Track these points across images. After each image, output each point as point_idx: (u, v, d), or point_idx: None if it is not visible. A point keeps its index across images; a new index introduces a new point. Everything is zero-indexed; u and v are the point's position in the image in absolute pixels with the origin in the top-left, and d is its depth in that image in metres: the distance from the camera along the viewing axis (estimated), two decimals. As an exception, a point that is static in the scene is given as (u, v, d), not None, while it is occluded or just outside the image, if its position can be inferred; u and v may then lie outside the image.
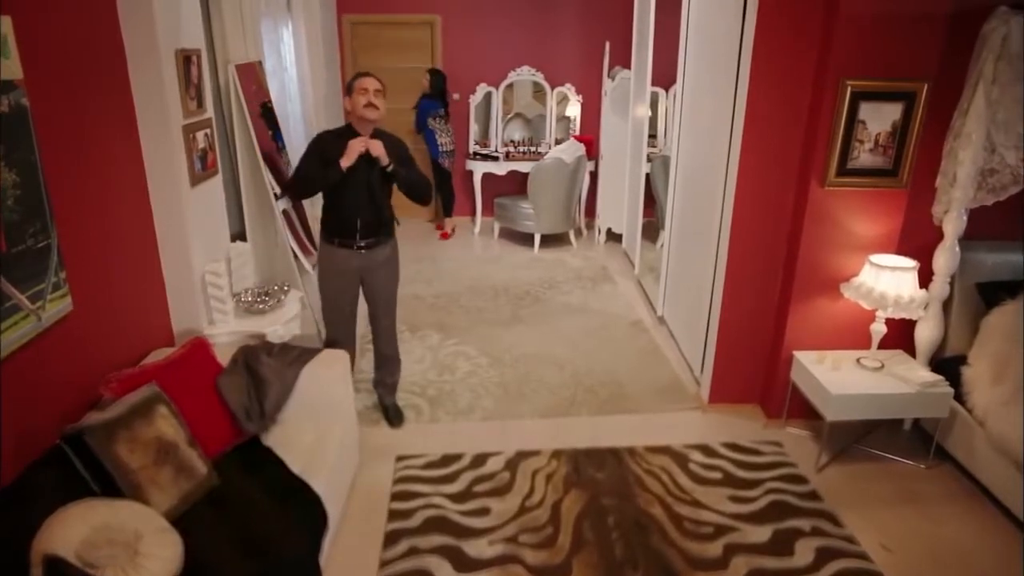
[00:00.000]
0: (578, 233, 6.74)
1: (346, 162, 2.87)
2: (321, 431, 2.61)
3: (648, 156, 5.55)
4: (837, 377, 3.02)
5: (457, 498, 2.83)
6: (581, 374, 3.95)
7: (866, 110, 2.91)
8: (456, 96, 6.87)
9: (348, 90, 2.97)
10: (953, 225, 3.03)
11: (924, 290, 3.04)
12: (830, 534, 2.66)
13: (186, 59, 2.74)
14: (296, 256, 3.80)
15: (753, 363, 3.47)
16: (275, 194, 3.64)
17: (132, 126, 2.59)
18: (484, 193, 6.86)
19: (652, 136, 6.35)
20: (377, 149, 2.91)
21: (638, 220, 5.56)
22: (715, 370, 3.50)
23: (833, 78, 2.88)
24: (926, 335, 3.17)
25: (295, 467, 2.36)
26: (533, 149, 6.95)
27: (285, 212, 3.84)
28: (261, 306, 3.11)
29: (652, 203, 5.89)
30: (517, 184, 6.89)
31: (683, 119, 4.19)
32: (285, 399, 2.62)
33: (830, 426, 3.01)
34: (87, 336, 2.25)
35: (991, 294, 3.11)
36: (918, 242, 3.13)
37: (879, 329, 3.12)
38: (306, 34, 5.16)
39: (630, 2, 5.64)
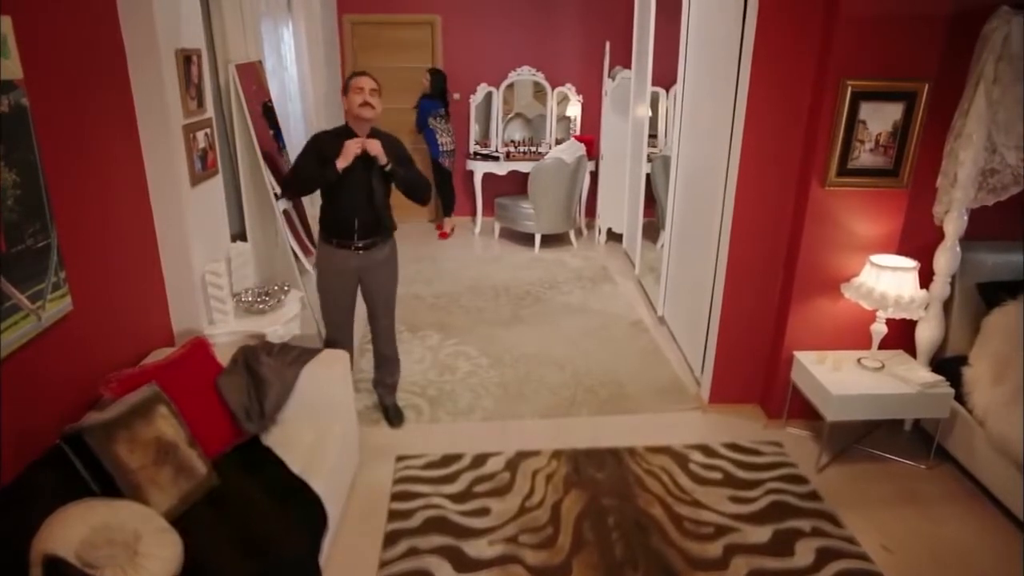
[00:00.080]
0: (578, 233, 6.74)
1: (342, 163, 2.86)
2: (321, 431, 2.61)
3: (648, 156, 5.55)
4: (837, 377, 3.02)
5: (457, 498, 2.83)
6: (581, 374, 3.94)
7: (867, 110, 2.91)
8: (456, 96, 6.86)
9: (344, 89, 2.96)
10: (954, 225, 3.03)
11: (925, 290, 3.04)
12: (830, 534, 2.65)
13: (186, 59, 2.74)
14: (296, 256, 3.79)
15: (753, 363, 3.47)
16: (275, 194, 3.63)
17: (132, 126, 2.59)
18: (484, 193, 6.86)
19: (652, 136, 6.34)
20: (375, 148, 2.90)
21: (638, 220, 5.55)
22: (715, 370, 3.50)
23: (833, 78, 2.87)
24: (927, 335, 3.17)
25: (295, 467, 2.36)
26: (533, 149, 6.95)
27: (285, 212, 3.84)
28: (261, 306, 3.10)
29: (652, 203, 5.89)
30: (517, 184, 6.89)
31: (683, 119, 4.18)
32: (285, 399, 2.62)
33: (830, 426, 3.01)
34: (87, 336, 2.25)
35: (992, 294, 3.11)
36: (919, 242, 3.13)
37: (880, 329, 3.12)
38: (306, 34, 5.15)
39: (630, 2, 5.64)
